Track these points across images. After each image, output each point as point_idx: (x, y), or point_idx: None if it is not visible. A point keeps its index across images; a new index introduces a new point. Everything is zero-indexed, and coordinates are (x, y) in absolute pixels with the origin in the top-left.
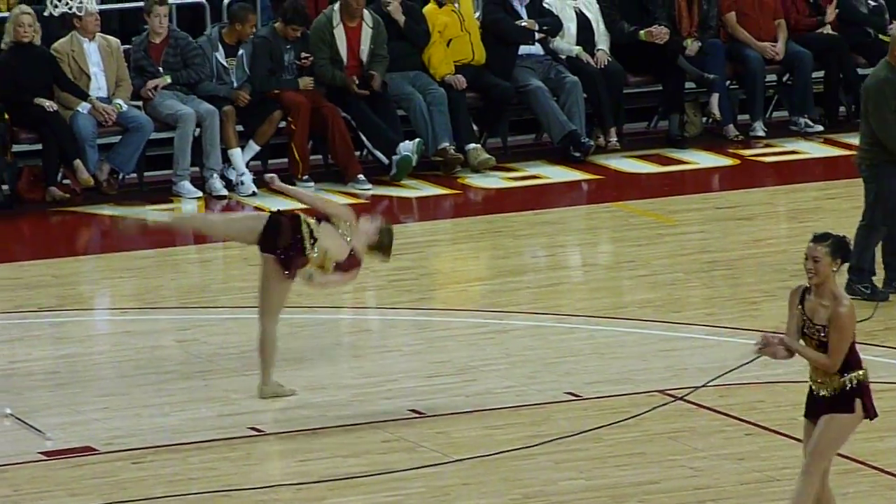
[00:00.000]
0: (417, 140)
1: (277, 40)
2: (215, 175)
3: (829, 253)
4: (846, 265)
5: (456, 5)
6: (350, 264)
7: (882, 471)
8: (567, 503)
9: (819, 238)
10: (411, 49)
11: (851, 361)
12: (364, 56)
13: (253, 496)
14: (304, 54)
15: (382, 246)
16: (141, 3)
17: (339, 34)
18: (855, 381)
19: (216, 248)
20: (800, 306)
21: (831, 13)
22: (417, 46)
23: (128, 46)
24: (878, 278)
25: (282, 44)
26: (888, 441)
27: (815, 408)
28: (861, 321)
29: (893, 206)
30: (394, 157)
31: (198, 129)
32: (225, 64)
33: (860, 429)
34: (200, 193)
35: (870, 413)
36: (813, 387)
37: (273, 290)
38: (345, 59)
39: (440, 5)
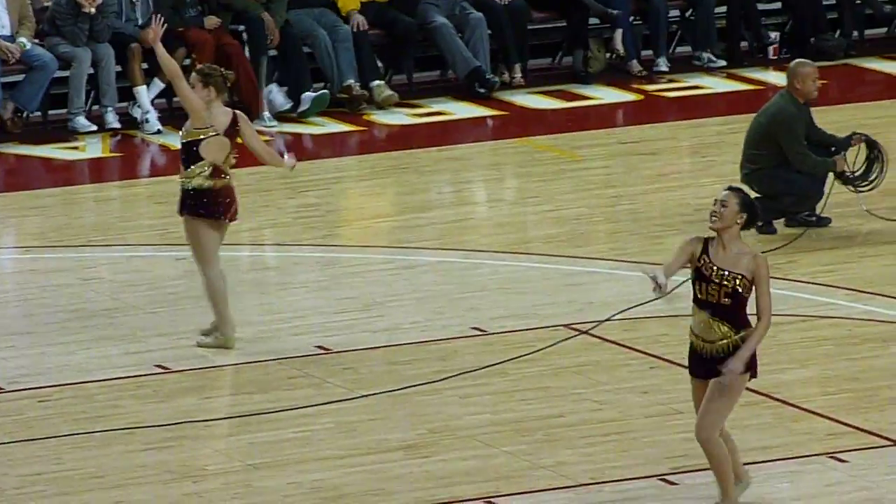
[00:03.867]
0: (323, 92)
1: None
2: (110, 110)
3: (738, 204)
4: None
5: None
6: None
7: (785, 402)
8: (473, 437)
9: (734, 189)
10: None
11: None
12: None
13: (159, 433)
14: None
15: None
16: None
17: None
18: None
19: (119, 186)
20: (704, 255)
21: None
22: None
23: None
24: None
25: None
26: (790, 373)
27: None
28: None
29: (799, 189)
30: (305, 95)
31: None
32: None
33: (763, 361)
34: (95, 128)
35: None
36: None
37: (204, 239)
38: None
39: None
